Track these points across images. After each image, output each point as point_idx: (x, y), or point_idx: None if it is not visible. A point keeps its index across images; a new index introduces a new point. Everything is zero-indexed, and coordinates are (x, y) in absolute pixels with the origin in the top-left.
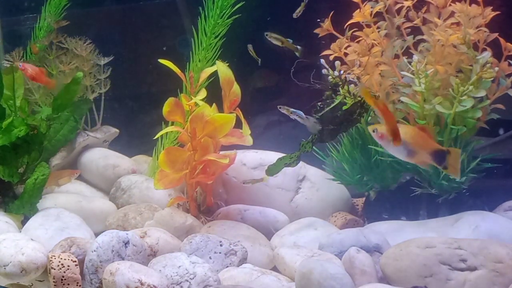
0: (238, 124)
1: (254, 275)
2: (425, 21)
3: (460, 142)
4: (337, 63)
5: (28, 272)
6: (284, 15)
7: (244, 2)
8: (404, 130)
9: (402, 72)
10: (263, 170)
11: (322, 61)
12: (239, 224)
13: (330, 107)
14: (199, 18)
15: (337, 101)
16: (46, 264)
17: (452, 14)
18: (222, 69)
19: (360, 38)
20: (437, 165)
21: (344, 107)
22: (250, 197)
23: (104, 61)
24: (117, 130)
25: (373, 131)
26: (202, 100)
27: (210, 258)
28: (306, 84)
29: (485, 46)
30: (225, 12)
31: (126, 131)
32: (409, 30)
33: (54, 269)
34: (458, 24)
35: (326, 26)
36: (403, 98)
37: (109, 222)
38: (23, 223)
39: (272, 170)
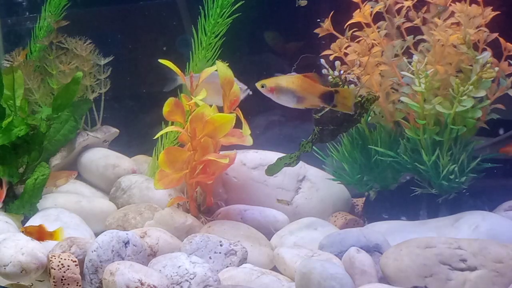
0: (238, 124)
1: (254, 275)
2: (425, 21)
3: (460, 142)
4: (337, 63)
5: (28, 272)
6: (283, 15)
7: (243, 1)
8: (290, 80)
9: (402, 72)
10: (263, 170)
11: (322, 61)
12: (239, 224)
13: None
14: (199, 17)
15: None
16: (46, 264)
17: (452, 14)
18: (222, 69)
19: (360, 38)
20: (327, 105)
21: None
22: (250, 197)
23: (104, 61)
24: (117, 130)
25: (262, 87)
26: (202, 100)
27: (210, 258)
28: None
29: (485, 46)
30: (225, 11)
31: (126, 131)
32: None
33: (54, 269)
34: (458, 24)
35: (326, 26)
36: (403, 98)
37: (109, 222)
38: (23, 223)
39: (272, 170)
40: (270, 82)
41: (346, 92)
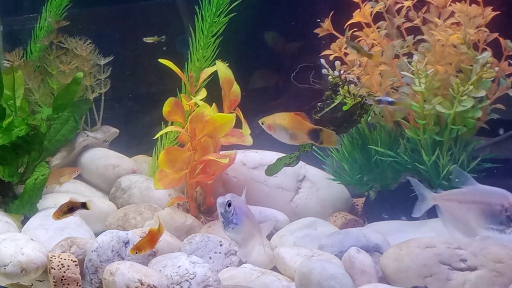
0: (238, 124)
1: (254, 275)
2: (425, 21)
3: (460, 142)
4: (337, 63)
5: (28, 272)
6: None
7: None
8: (283, 117)
9: (402, 72)
10: (263, 170)
11: (322, 61)
12: None
13: (330, 107)
14: (196, 17)
15: (337, 102)
16: (46, 264)
17: (452, 14)
18: (222, 69)
19: (360, 38)
20: (314, 142)
21: (344, 108)
22: (250, 197)
23: (104, 61)
24: (117, 130)
25: (262, 123)
26: (202, 100)
27: (210, 258)
28: (306, 85)
29: (485, 46)
30: (221, 11)
31: (126, 131)
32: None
33: (54, 269)
34: (458, 24)
35: (326, 26)
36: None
37: (109, 222)
38: (23, 223)
39: (272, 170)
40: (268, 119)
41: (328, 132)
